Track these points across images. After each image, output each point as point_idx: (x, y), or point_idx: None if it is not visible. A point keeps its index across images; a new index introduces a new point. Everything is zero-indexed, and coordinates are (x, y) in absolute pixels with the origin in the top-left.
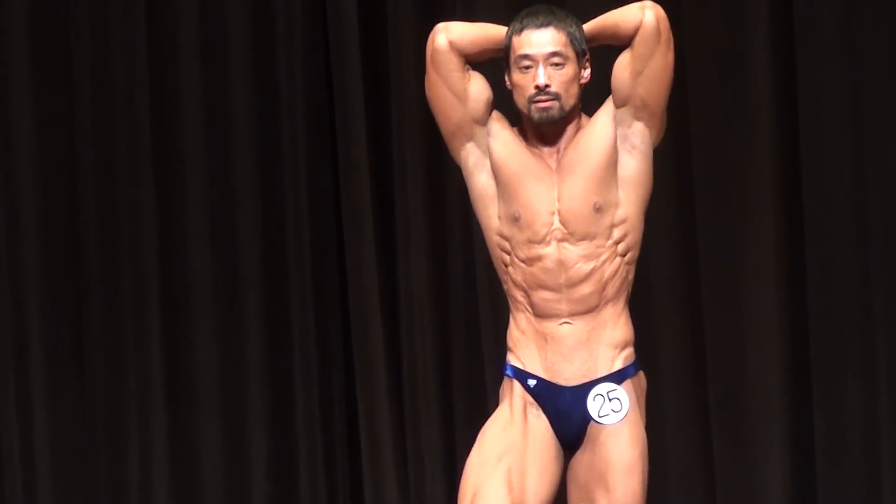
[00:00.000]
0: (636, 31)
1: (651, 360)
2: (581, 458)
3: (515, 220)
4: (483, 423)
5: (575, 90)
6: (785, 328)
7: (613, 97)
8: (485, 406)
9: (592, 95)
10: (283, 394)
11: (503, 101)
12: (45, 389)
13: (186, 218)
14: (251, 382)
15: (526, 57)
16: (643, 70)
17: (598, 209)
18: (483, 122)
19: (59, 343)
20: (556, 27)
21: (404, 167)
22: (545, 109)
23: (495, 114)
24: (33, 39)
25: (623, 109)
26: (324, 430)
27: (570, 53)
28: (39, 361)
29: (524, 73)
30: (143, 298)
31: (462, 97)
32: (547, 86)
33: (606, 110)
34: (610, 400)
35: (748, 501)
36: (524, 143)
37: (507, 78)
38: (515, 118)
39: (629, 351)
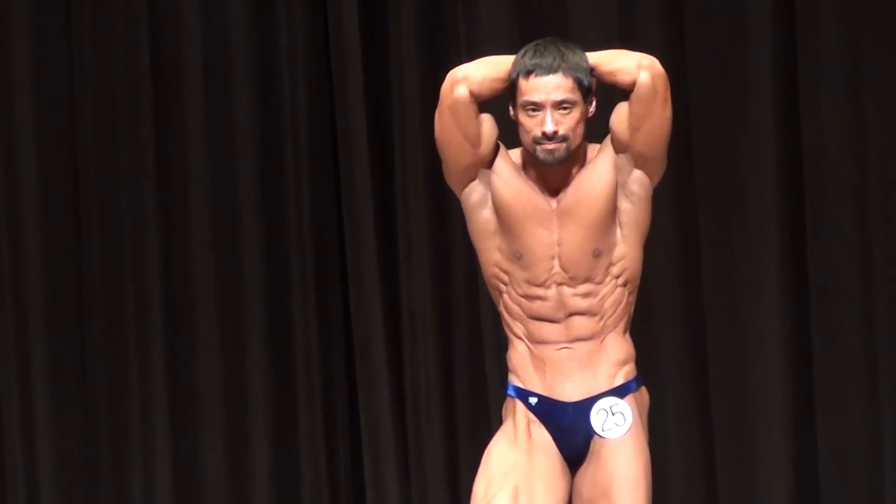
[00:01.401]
0: (632, 87)
1: (654, 377)
2: (585, 474)
3: (518, 258)
4: (486, 440)
5: (581, 129)
6: (787, 345)
7: (612, 143)
8: (488, 422)
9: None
10: (286, 411)
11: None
12: (49, 407)
13: (189, 236)
14: (254, 399)
15: (533, 103)
16: (640, 126)
17: (598, 255)
18: (490, 163)
19: (63, 361)
20: (564, 73)
21: (406, 183)
22: (551, 152)
23: (500, 150)
24: (35, 56)
25: (622, 157)
26: (327, 446)
27: (577, 97)
28: (42, 379)
29: (531, 116)
30: (146, 316)
31: (475, 143)
32: (555, 132)
33: (607, 155)
34: (613, 414)
35: None
36: (525, 179)
37: (511, 109)
38: (514, 140)
39: (630, 366)
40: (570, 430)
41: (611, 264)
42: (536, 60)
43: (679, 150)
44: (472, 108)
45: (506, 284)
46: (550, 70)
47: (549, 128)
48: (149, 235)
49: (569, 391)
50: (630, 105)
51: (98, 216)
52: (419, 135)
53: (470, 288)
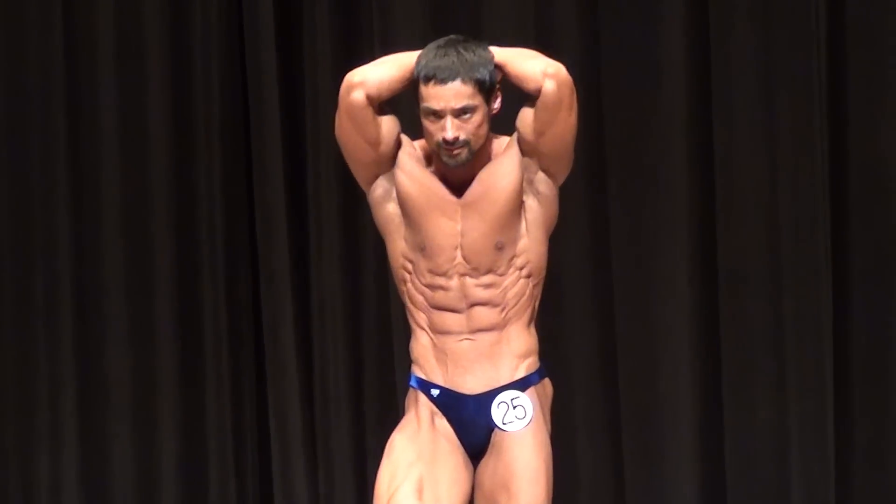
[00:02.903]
0: (538, 94)
1: (563, 369)
2: (486, 466)
3: (421, 249)
4: (392, 431)
5: (484, 129)
6: (696, 339)
7: (519, 143)
8: (396, 413)
9: None
10: (194, 398)
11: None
12: None
13: (100, 223)
14: (162, 386)
15: (433, 111)
16: (545, 132)
17: (500, 248)
18: (392, 160)
19: None
20: (464, 79)
21: (318, 175)
22: (454, 157)
23: (402, 143)
24: None
25: (528, 158)
26: (234, 435)
27: (479, 100)
28: None
29: (433, 121)
30: (55, 301)
31: (374, 144)
32: (456, 138)
33: (514, 151)
34: (514, 407)
35: None
36: (429, 171)
37: (418, 104)
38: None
39: (533, 359)
40: (471, 422)
41: (514, 256)
42: (436, 65)
43: (592, 144)
44: (369, 112)
45: (410, 274)
46: (449, 77)
47: (450, 135)
48: (59, 220)
49: (470, 384)
50: (535, 111)
51: (8, 200)
52: (332, 127)
53: (379, 279)
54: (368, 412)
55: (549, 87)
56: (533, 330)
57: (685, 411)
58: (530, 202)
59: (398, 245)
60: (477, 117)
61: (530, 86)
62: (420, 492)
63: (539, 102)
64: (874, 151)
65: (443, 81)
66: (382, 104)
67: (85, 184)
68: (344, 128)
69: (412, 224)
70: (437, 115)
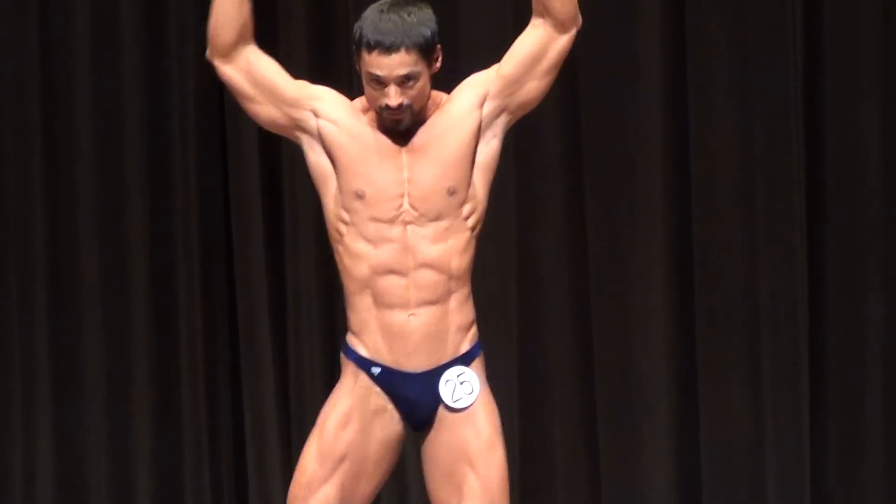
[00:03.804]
0: (560, 28)
1: (539, 357)
2: (437, 440)
3: (359, 196)
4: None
5: (427, 90)
6: (671, 330)
7: (497, 85)
8: None
9: None
10: (169, 388)
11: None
12: None
13: (74, 213)
14: (137, 376)
15: (376, 77)
16: (543, 77)
17: (452, 193)
18: (298, 107)
19: None
20: (407, 48)
21: (293, 161)
22: (397, 121)
23: (322, 94)
24: None
25: (497, 103)
26: (209, 427)
27: (422, 66)
28: None
29: (375, 87)
30: (30, 290)
31: (273, 99)
32: (399, 105)
33: (473, 94)
34: (462, 384)
35: (633, 500)
36: (367, 119)
37: (357, 63)
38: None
39: (473, 330)
40: (416, 400)
41: (464, 202)
42: (379, 37)
43: (569, 135)
44: (238, 70)
45: (347, 226)
46: (393, 48)
47: (394, 102)
48: (33, 212)
49: (415, 362)
50: (547, 56)
51: None
52: None
53: None
54: None
55: (571, 34)
56: (471, 298)
57: (661, 403)
58: (483, 147)
59: (331, 201)
60: (421, 82)
61: (561, 16)
62: (341, 490)
63: (556, 46)
64: (850, 140)
65: (387, 51)
66: (245, 38)
67: (59, 175)
68: (247, 105)
69: (347, 171)
70: (381, 82)
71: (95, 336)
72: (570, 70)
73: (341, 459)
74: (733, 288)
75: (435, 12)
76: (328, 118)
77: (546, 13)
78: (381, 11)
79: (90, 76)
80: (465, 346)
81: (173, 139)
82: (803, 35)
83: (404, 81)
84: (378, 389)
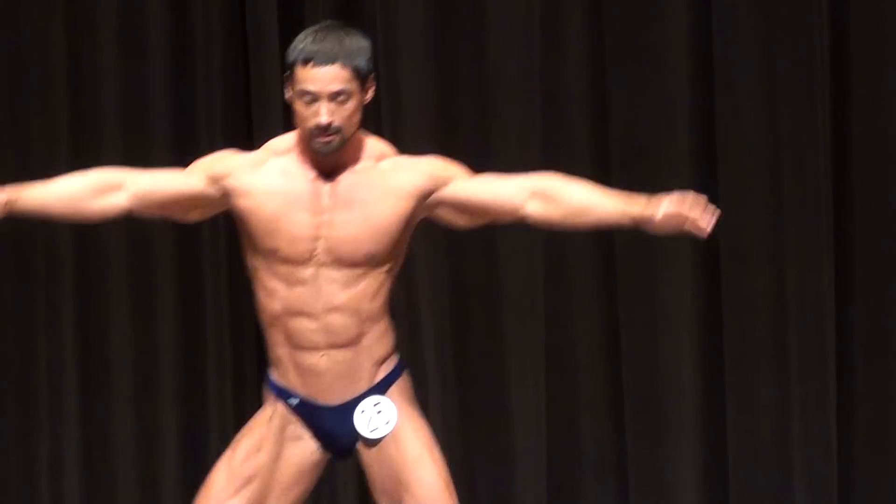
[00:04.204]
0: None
1: (566, 347)
2: (370, 462)
3: (273, 251)
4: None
5: (357, 118)
6: (698, 321)
7: (442, 194)
8: None
9: None
10: (196, 375)
11: None
12: None
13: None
14: (164, 363)
15: (309, 93)
16: (468, 222)
17: (370, 256)
18: (212, 195)
19: None
20: (343, 63)
21: None
22: (326, 143)
23: (227, 169)
24: None
25: (432, 204)
26: (236, 411)
27: (355, 87)
28: None
29: (307, 105)
30: (56, 277)
31: (190, 204)
32: (329, 124)
33: (418, 182)
34: (378, 413)
35: (660, 492)
36: (286, 162)
37: (287, 90)
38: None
39: (391, 358)
40: (333, 432)
41: (382, 262)
42: (315, 48)
43: (596, 126)
44: (145, 198)
45: (261, 262)
46: (328, 60)
47: (324, 119)
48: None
49: (329, 397)
50: (499, 212)
51: (9, 176)
52: None
53: None
54: None
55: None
56: (389, 328)
57: (687, 394)
58: (409, 224)
59: (246, 238)
60: (351, 104)
61: (546, 215)
62: None
63: (508, 216)
64: (878, 128)
65: (321, 63)
66: (111, 191)
67: (86, 161)
68: (182, 217)
69: (262, 234)
70: (313, 97)
71: (122, 324)
72: (596, 56)
73: (249, 480)
74: (760, 277)
75: (463, 16)
76: (240, 191)
77: (539, 201)
78: (317, 31)
79: (116, 65)
80: (381, 375)
81: (199, 128)
82: (829, 18)
83: (336, 97)
84: (296, 419)
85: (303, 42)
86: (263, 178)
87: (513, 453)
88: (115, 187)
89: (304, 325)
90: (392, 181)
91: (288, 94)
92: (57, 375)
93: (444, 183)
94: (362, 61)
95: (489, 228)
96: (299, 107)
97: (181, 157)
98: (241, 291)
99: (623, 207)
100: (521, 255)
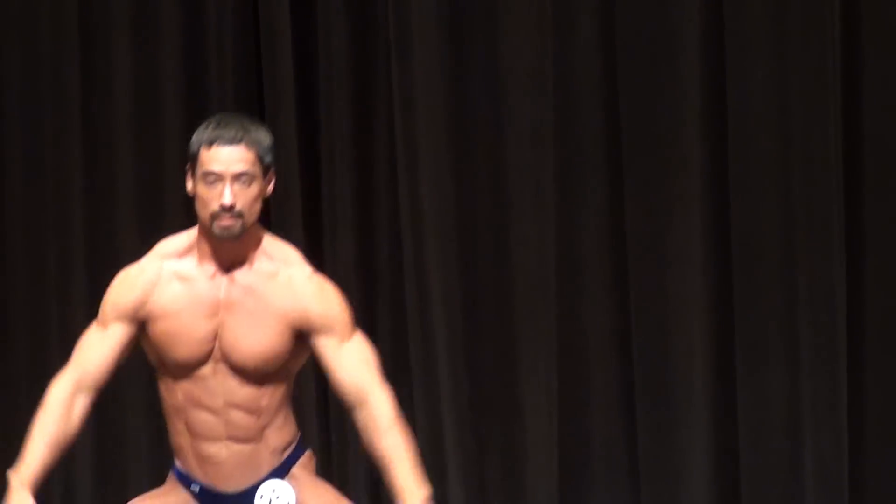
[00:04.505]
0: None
1: (578, 344)
2: None
3: (175, 358)
4: (408, 407)
5: (258, 207)
6: (710, 313)
7: (304, 323)
8: (410, 384)
9: None
10: None
11: None
12: None
13: (114, 202)
14: None
15: (213, 174)
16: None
17: (259, 368)
18: (135, 333)
19: None
20: (247, 144)
21: (332, 145)
22: (228, 228)
23: (130, 304)
24: None
25: (302, 336)
26: None
27: (258, 171)
28: None
29: (210, 187)
30: (68, 275)
31: (129, 349)
32: (232, 205)
33: (295, 316)
34: (277, 498)
35: (671, 484)
36: (184, 275)
37: (189, 183)
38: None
39: (292, 443)
40: None
41: (277, 371)
42: (219, 132)
43: (607, 120)
44: (105, 370)
45: (165, 362)
46: (233, 141)
47: (228, 200)
48: (73, 194)
49: (230, 485)
50: (331, 379)
51: (21, 172)
52: (346, 94)
53: (393, 251)
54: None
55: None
56: (289, 416)
57: (698, 387)
58: (297, 342)
59: (147, 339)
60: (255, 189)
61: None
62: None
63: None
64: (890, 119)
65: (226, 144)
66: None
67: (98, 156)
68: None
69: (163, 347)
70: (217, 177)
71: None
72: (608, 49)
73: None
74: (771, 269)
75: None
76: (154, 315)
77: (363, 418)
78: (220, 119)
79: (129, 58)
80: (283, 458)
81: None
82: (842, 10)
83: (240, 178)
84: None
85: (205, 129)
86: (167, 292)
87: (524, 446)
88: (74, 397)
89: (204, 418)
90: (281, 303)
91: (189, 186)
92: None
93: (319, 331)
94: (265, 149)
95: (501, 221)
96: (201, 191)
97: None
98: None
99: (404, 491)
100: (533, 247)
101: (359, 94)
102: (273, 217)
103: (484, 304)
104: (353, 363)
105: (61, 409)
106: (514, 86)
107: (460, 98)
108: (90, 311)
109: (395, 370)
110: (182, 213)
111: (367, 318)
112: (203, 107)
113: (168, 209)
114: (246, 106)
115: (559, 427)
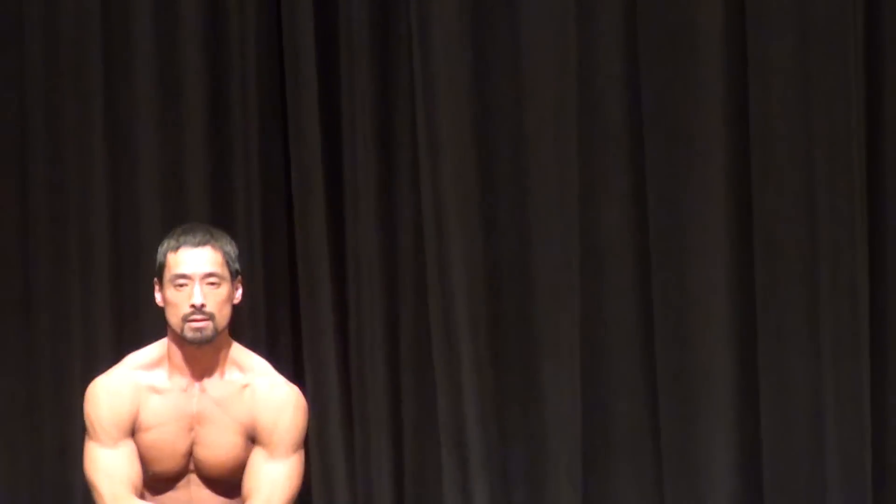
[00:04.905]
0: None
1: (601, 332)
2: None
3: (153, 471)
4: (429, 390)
5: (228, 311)
6: (732, 302)
7: (254, 451)
8: (431, 371)
9: None
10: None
11: None
12: None
13: (136, 183)
14: None
15: (182, 276)
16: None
17: (231, 478)
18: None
19: (6, 303)
20: (214, 246)
21: (354, 129)
22: (200, 329)
23: (125, 412)
24: None
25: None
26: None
27: (226, 273)
28: None
29: (179, 290)
30: (90, 261)
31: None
32: (203, 305)
33: (254, 428)
34: None
35: (693, 470)
36: (158, 387)
37: (157, 295)
38: None
39: None
40: None
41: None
42: (185, 238)
43: (629, 109)
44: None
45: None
46: (200, 244)
47: (198, 300)
48: (95, 180)
49: None
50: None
51: (44, 159)
52: (368, 80)
53: (416, 235)
54: (404, 368)
55: None
56: None
57: (720, 375)
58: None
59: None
60: (223, 291)
61: None
62: None
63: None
64: None
65: (194, 246)
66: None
67: (121, 143)
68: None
69: (147, 459)
70: (186, 279)
71: (156, 308)
72: (630, 41)
73: None
74: (793, 259)
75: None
76: (140, 426)
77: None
78: (185, 228)
79: (152, 46)
80: None
81: (234, 109)
82: (864, 6)
83: (209, 278)
84: None
85: (170, 239)
86: (148, 406)
87: (546, 431)
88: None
89: None
90: (241, 413)
91: (158, 298)
92: (91, 359)
93: (259, 440)
94: (232, 255)
95: (523, 208)
96: (171, 296)
97: (214, 136)
98: (276, 269)
99: None
100: (556, 233)
101: (381, 80)
102: (296, 205)
103: (506, 292)
104: (267, 480)
105: None
106: (535, 68)
107: (482, 83)
108: (112, 296)
109: (419, 360)
110: (205, 197)
111: (389, 307)
112: (226, 89)
113: (190, 190)
114: (268, 92)
115: (582, 415)
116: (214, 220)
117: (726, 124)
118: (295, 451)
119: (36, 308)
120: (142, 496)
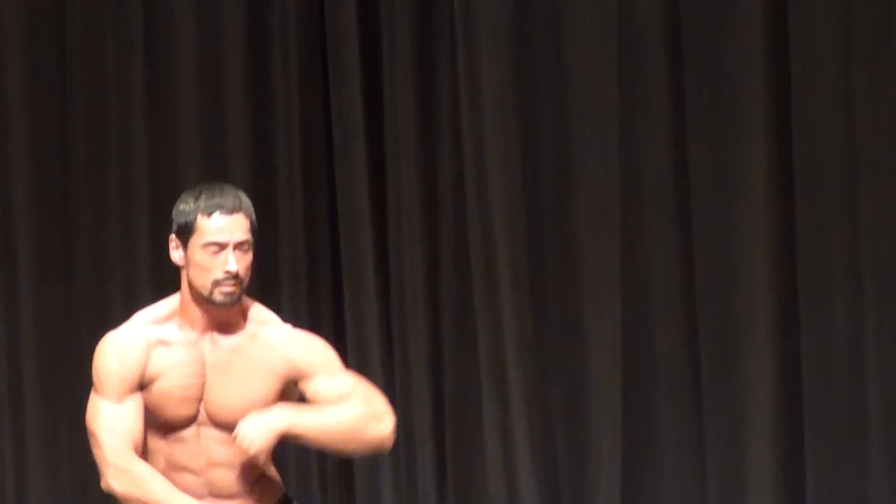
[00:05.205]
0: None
1: (642, 277)
2: None
3: (161, 419)
4: (470, 337)
5: (250, 273)
6: (773, 246)
7: (298, 385)
8: (473, 318)
9: None
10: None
11: None
12: (32, 296)
13: (176, 133)
14: None
15: (216, 243)
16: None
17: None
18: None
19: (48, 249)
20: (245, 212)
21: (394, 84)
22: (230, 294)
23: (131, 374)
24: None
25: (291, 384)
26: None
27: (252, 239)
28: (28, 267)
29: (213, 256)
30: (131, 206)
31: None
32: (237, 272)
33: (283, 364)
34: None
35: (735, 418)
36: (169, 340)
37: (176, 251)
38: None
39: (277, 497)
40: None
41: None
42: (217, 201)
43: (669, 52)
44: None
45: (148, 425)
46: (233, 210)
47: (233, 267)
48: (135, 125)
49: None
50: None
51: (84, 108)
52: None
53: (456, 185)
54: (445, 316)
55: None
56: (271, 466)
57: (762, 319)
58: (285, 391)
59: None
60: (251, 255)
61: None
62: None
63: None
64: None
65: (229, 212)
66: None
67: (160, 90)
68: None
69: (152, 408)
70: (222, 247)
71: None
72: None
73: None
74: (835, 203)
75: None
76: (152, 377)
77: None
78: (208, 189)
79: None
80: None
81: (275, 59)
82: None
83: (241, 246)
84: None
85: (197, 199)
86: (156, 358)
87: (587, 372)
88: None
89: (187, 479)
90: (265, 358)
91: (176, 256)
92: (132, 304)
93: (304, 376)
94: (254, 218)
95: (562, 154)
96: (202, 259)
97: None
98: (317, 216)
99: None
100: (597, 178)
101: (422, 23)
102: (337, 150)
103: (547, 238)
104: (348, 382)
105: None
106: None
107: (522, 22)
108: (152, 246)
109: (460, 306)
110: (245, 141)
111: (430, 251)
112: (265, 31)
113: (230, 142)
114: (308, 33)
115: (623, 356)
116: (254, 166)
117: (766, 65)
118: (344, 369)
119: (77, 255)
120: (142, 456)
